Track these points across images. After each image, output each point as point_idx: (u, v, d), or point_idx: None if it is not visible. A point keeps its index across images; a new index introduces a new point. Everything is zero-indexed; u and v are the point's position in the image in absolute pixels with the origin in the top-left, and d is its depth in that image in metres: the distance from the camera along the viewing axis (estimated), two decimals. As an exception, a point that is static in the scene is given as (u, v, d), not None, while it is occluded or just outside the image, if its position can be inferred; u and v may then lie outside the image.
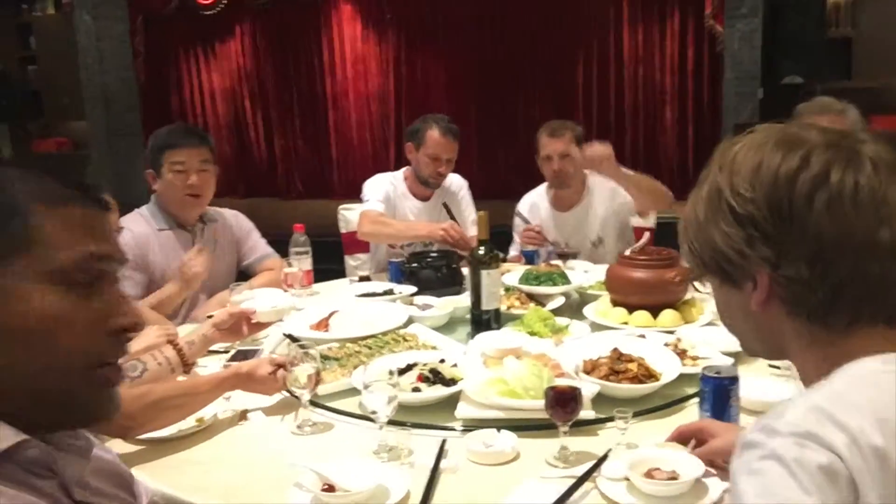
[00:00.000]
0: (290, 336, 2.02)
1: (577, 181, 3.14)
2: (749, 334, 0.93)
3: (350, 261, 3.46)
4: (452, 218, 3.00)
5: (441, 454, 1.44)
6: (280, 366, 1.69)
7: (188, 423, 1.61)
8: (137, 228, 2.52)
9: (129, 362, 1.83)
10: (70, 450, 0.86)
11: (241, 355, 2.04)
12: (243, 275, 2.79)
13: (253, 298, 2.21)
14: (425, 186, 3.15)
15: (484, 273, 2.08)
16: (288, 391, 1.72)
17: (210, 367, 1.95)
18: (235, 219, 2.83)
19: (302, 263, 2.72)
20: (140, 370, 1.67)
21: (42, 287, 0.79)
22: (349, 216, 3.43)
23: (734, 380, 1.47)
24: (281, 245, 2.84)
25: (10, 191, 0.80)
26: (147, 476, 1.43)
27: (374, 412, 1.45)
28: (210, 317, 1.96)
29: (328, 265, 3.35)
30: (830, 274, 0.80)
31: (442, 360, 1.83)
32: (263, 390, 1.72)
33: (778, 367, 1.76)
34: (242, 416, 1.66)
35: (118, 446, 1.56)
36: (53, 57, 7.41)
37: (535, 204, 3.28)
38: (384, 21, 7.54)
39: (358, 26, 7.68)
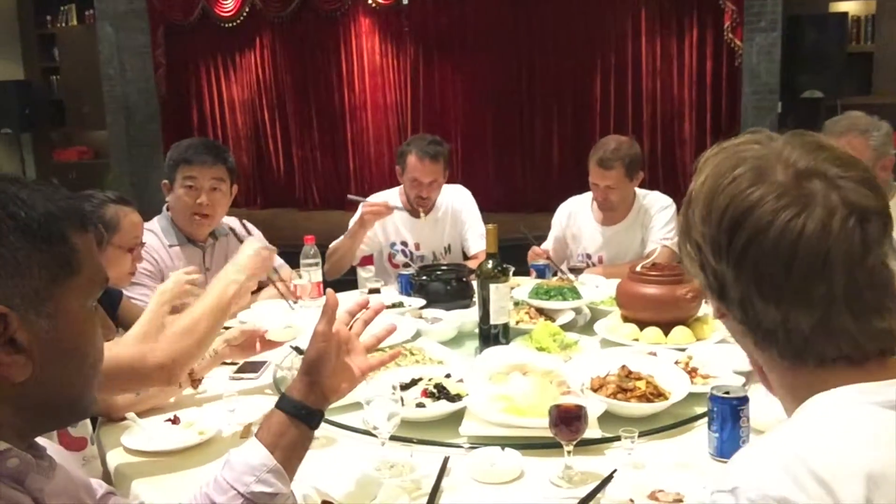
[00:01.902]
0: (296, 348, 2.01)
1: (623, 204, 3.04)
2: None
3: (362, 272, 3.44)
4: (359, 201, 3.08)
5: (443, 471, 1.42)
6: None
7: (192, 437, 1.60)
8: (150, 242, 2.52)
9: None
10: (36, 468, 0.86)
11: (249, 366, 2.04)
12: None
13: (254, 311, 2.21)
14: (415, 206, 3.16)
15: (492, 287, 2.06)
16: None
17: (215, 377, 1.95)
18: (243, 229, 2.81)
19: (312, 275, 2.71)
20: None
21: (83, 307, 0.85)
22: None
23: (743, 400, 1.44)
24: (297, 257, 2.83)
25: (54, 213, 0.82)
26: (149, 490, 1.43)
27: (375, 428, 1.43)
28: (227, 327, 1.95)
29: (343, 276, 3.36)
30: (761, 320, 0.78)
31: (447, 375, 1.81)
32: (260, 269, 1.80)
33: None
34: (247, 430, 1.65)
35: (118, 457, 1.56)
36: (76, 68, 7.53)
37: (574, 213, 3.19)
38: (402, 34, 7.58)
39: (376, 39, 7.72)
